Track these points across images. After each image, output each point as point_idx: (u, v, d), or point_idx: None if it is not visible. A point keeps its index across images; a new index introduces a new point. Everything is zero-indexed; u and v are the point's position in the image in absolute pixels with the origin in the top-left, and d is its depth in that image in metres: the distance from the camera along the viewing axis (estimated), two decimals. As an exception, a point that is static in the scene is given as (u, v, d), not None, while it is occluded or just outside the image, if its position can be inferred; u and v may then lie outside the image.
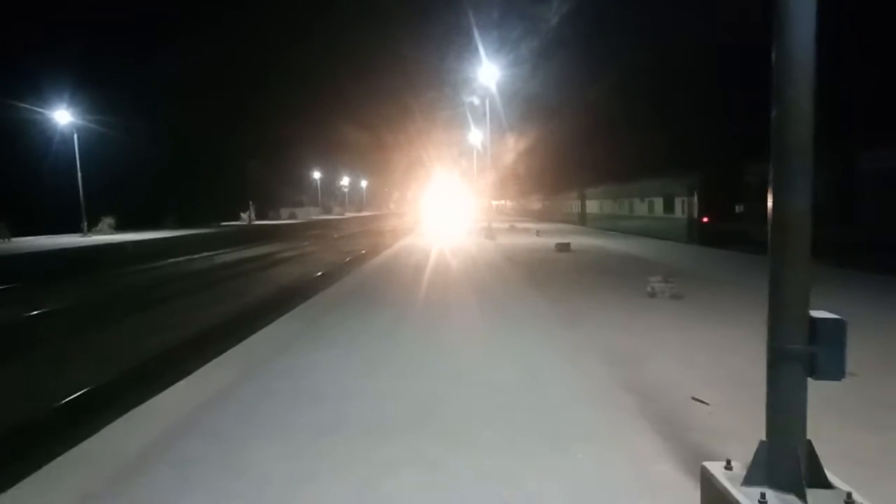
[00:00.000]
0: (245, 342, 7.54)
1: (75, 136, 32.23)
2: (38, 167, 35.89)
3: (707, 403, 4.80)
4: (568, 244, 19.36)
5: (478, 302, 10.01)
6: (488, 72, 26.83)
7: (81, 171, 32.37)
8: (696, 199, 22.13)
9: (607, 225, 32.55)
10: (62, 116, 32.87)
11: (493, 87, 28.05)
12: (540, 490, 3.44)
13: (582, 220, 39.20)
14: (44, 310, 13.56)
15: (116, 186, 39.09)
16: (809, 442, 2.73)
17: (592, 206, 37.28)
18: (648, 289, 10.21)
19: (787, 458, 2.69)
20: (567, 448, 4.00)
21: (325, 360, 6.40)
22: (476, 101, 30.53)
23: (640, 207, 27.80)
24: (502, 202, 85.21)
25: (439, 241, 25.18)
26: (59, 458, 4.01)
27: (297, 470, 3.75)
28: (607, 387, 5.29)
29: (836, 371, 2.65)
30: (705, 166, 22.53)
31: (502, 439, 4.17)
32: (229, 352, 7.04)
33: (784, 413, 2.74)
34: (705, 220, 21.83)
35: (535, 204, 61.57)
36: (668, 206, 24.65)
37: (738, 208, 21.53)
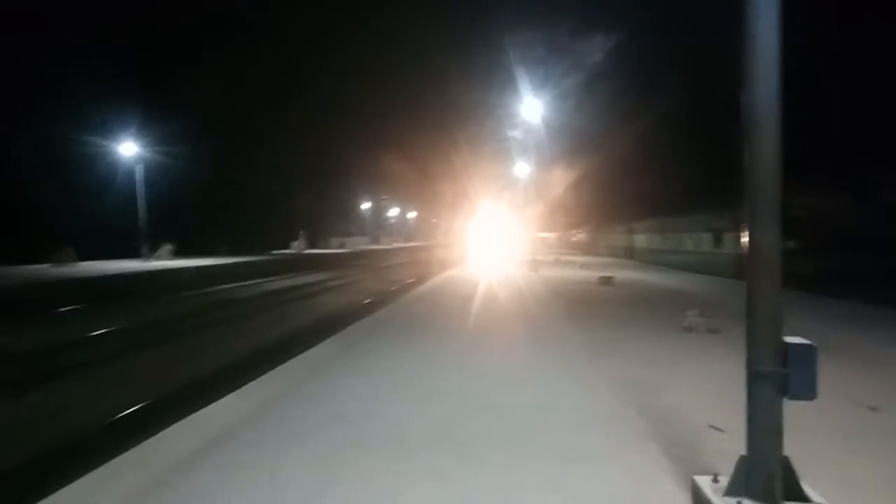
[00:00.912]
0: (304, 355, 8.23)
1: (138, 168, 34.38)
2: (101, 196, 38.27)
3: (722, 430, 4.99)
4: (610, 277, 19.43)
5: (511, 331, 10.32)
6: (532, 105, 27.41)
7: (143, 199, 34.49)
8: (741, 234, 21.89)
9: (655, 259, 32.24)
10: (127, 148, 35.15)
11: (538, 121, 28.59)
12: (536, 498, 3.76)
13: (629, 254, 38.88)
14: (109, 329, 14.57)
15: (173, 214, 41.15)
16: (786, 457, 2.99)
17: (640, 240, 37.00)
18: (685, 323, 10.30)
19: (763, 471, 2.96)
20: (573, 466, 4.29)
21: (372, 378, 6.86)
22: (521, 134, 31.12)
23: (688, 242, 27.54)
24: (549, 235, 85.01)
25: (483, 272, 25.55)
26: (124, 454, 4.56)
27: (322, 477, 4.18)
28: (622, 413, 5.53)
29: (807, 391, 2.93)
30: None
31: (513, 457, 4.49)
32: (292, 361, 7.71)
33: (761, 430, 3.01)
34: (754, 255, 21.53)
35: (582, 237, 61.29)
36: (717, 241, 24.38)
37: (786, 243, 21.16)
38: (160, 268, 29.33)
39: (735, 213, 22.63)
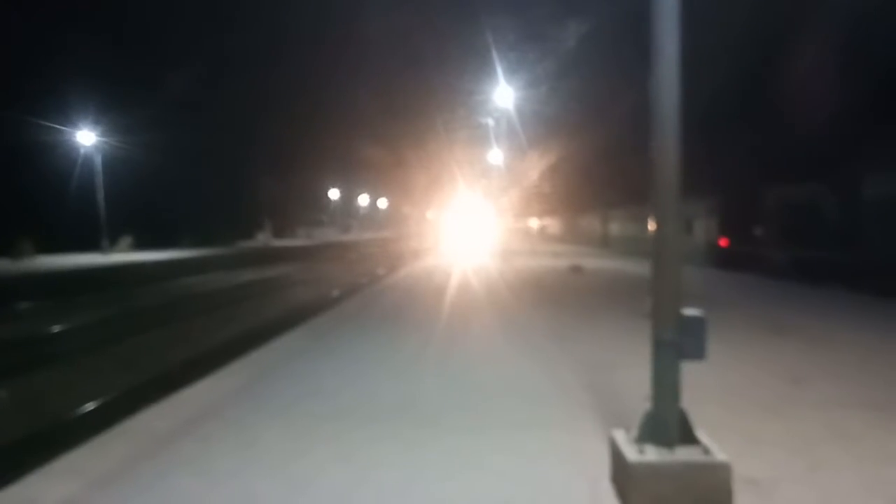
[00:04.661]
0: (272, 346, 8.89)
1: (98, 158, 34.39)
2: (60, 187, 37.98)
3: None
4: (580, 267, 20.36)
5: (478, 320, 11.07)
6: (507, 91, 28.11)
7: (102, 190, 34.49)
8: (712, 221, 22.98)
9: (629, 247, 33.33)
10: (85, 137, 35.05)
11: (513, 107, 29.34)
12: (488, 456, 4.53)
13: (605, 242, 40.01)
14: (65, 326, 14.99)
15: (135, 205, 40.94)
16: (682, 409, 3.77)
17: (615, 228, 38.14)
18: (645, 309, 11.15)
19: (663, 421, 3.73)
20: (522, 428, 5.07)
21: (339, 354, 7.56)
22: (494, 120, 31.87)
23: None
24: (524, 224, 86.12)
25: (453, 263, 26.28)
26: (105, 433, 5.20)
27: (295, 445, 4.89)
28: (573, 389, 6.32)
29: (698, 354, 3.71)
30: (724, 188, 23.38)
31: (467, 423, 5.26)
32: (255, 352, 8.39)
33: (663, 387, 3.78)
34: (723, 243, 22.63)
35: (558, 226, 62.51)
36: (688, 229, 25.48)
37: (758, 232, 22.32)
38: (120, 262, 29.48)
39: (707, 200, 23.70)
